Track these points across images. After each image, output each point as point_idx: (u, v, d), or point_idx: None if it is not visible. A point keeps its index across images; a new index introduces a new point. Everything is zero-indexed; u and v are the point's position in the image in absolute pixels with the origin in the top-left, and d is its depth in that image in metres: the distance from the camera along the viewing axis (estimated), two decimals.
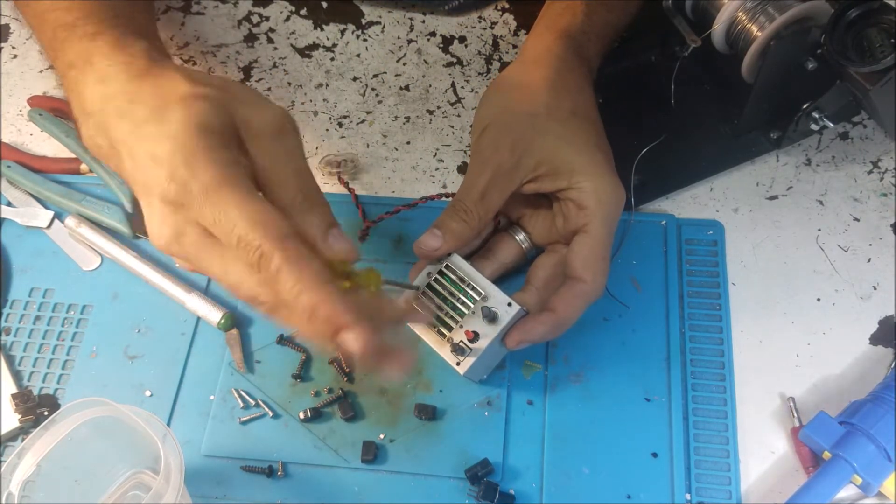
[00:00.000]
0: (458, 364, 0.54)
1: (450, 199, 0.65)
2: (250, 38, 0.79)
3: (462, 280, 0.54)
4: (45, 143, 0.74)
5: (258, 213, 0.42)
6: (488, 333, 0.53)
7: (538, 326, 0.54)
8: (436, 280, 0.55)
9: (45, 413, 0.60)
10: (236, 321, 0.62)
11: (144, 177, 0.44)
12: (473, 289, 0.54)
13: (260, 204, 0.42)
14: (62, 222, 0.68)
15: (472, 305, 0.54)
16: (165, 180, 0.42)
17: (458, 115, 0.74)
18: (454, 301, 0.54)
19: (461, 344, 0.53)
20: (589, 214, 0.54)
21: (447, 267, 0.55)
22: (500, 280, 0.61)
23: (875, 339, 0.60)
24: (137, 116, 0.45)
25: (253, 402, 0.60)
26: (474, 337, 0.53)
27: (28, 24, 0.59)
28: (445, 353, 0.54)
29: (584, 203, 0.54)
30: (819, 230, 0.65)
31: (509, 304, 0.53)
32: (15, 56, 0.79)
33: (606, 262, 0.55)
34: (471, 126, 0.73)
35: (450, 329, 0.54)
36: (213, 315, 0.62)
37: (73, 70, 0.51)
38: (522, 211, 0.60)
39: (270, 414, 0.59)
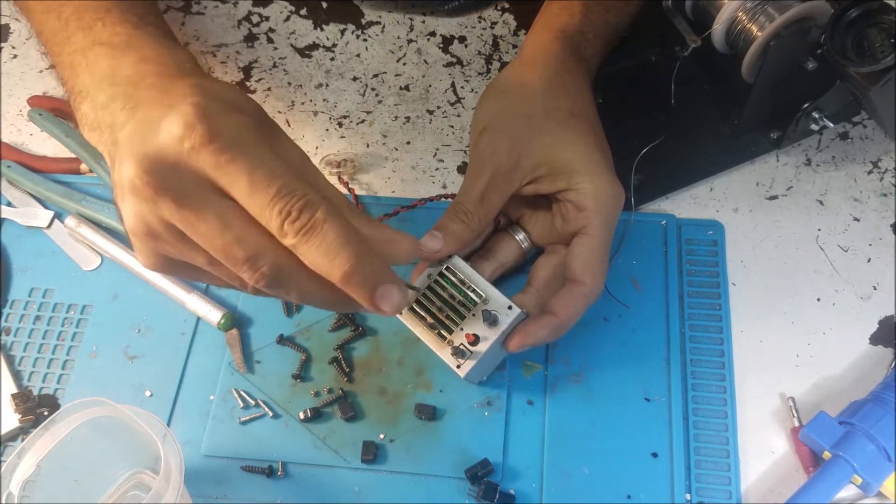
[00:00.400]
0: (458, 367, 0.54)
1: (449, 199, 0.65)
2: (250, 38, 0.79)
3: (462, 282, 0.54)
4: (45, 143, 0.74)
5: (302, 170, 0.41)
6: (489, 336, 0.53)
7: (539, 330, 0.54)
8: (436, 282, 0.55)
9: (45, 413, 0.60)
10: (236, 321, 0.62)
11: (148, 125, 0.41)
12: (474, 291, 0.54)
13: (299, 167, 0.42)
14: (62, 222, 0.68)
15: (472, 308, 0.54)
16: (190, 121, 0.39)
17: (458, 115, 0.74)
18: (454, 303, 0.54)
19: (462, 347, 0.53)
20: (588, 216, 0.54)
21: (447, 269, 0.55)
22: (500, 280, 0.61)
23: (875, 339, 0.60)
24: (172, 94, 0.43)
25: (253, 402, 0.60)
26: (475, 340, 0.53)
27: (31, 10, 0.59)
28: (446, 355, 0.54)
29: (583, 204, 0.54)
30: (819, 230, 0.65)
31: (510, 308, 0.53)
32: (15, 56, 0.79)
33: (605, 263, 0.55)
34: (470, 126, 0.73)
35: (450, 332, 0.54)
36: (213, 315, 0.62)
37: (103, 47, 0.51)
38: (522, 211, 0.60)
39: (270, 414, 0.59)
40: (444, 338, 0.54)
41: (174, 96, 0.41)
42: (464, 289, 0.54)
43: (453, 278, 0.54)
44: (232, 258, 0.41)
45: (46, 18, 0.58)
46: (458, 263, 0.55)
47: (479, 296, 0.54)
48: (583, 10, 0.63)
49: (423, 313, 0.55)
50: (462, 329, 0.54)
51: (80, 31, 0.54)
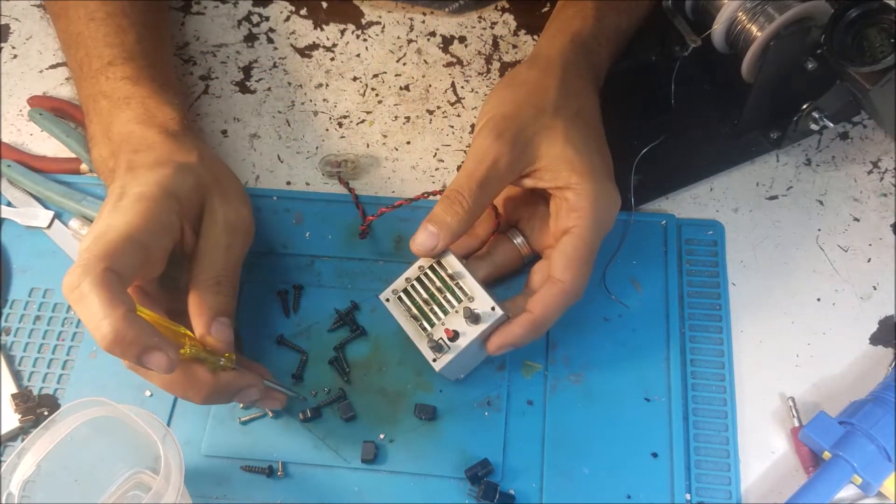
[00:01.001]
0: (434, 360, 0.54)
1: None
2: (250, 38, 0.79)
3: (451, 277, 0.55)
4: (45, 143, 0.74)
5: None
6: (468, 334, 0.53)
7: (516, 329, 0.54)
8: (425, 274, 0.56)
9: (45, 413, 0.60)
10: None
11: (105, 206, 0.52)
12: (461, 288, 0.54)
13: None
14: (62, 222, 0.68)
15: (456, 305, 0.54)
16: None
17: (458, 115, 0.74)
18: (440, 298, 0.55)
19: (440, 341, 0.54)
20: (580, 216, 0.55)
21: (439, 263, 0.55)
22: (499, 283, 0.62)
23: (875, 339, 0.60)
24: (142, 161, 0.55)
25: None
26: (454, 336, 0.54)
27: (58, 33, 0.69)
28: (423, 347, 0.55)
29: (578, 205, 0.55)
30: (819, 230, 0.65)
31: (493, 309, 0.53)
32: (15, 56, 0.79)
33: (589, 266, 0.56)
34: (471, 126, 0.73)
35: (432, 325, 0.55)
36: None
37: (107, 101, 0.60)
38: (521, 213, 0.60)
39: (270, 414, 0.59)
40: (424, 330, 0.55)
41: (121, 195, 0.52)
42: (451, 284, 0.55)
43: (443, 273, 0.55)
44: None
45: (67, 52, 0.67)
46: (450, 259, 0.55)
47: (466, 293, 0.54)
48: (596, 15, 0.63)
49: (408, 303, 0.55)
50: (443, 324, 0.54)
51: (90, 77, 0.63)
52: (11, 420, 0.59)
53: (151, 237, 0.50)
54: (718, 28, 0.63)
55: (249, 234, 0.58)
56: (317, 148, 0.72)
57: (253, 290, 0.64)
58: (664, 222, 0.65)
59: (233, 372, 0.53)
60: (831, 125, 0.65)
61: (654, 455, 0.56)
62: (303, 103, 0.75)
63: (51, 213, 0.69)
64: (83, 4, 0.65)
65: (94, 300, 0.45)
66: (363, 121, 0.74)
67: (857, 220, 0.65)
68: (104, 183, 0.60)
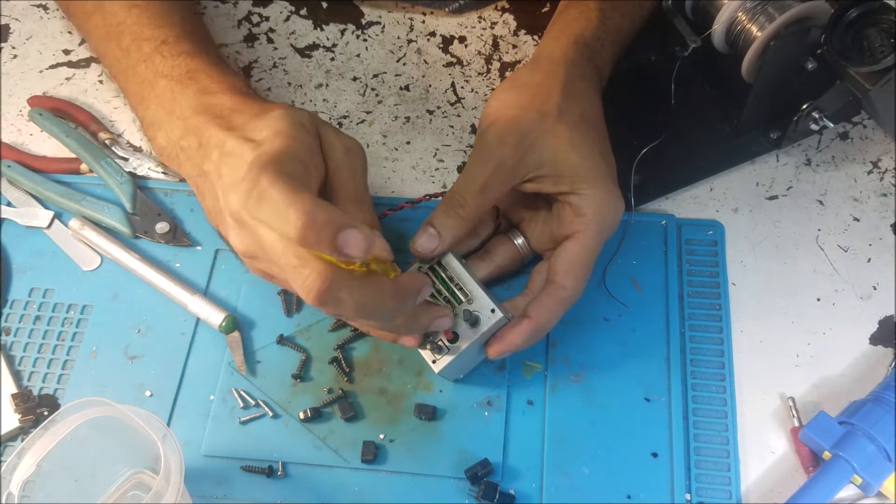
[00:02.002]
0: (433, 362, 0.54)
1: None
2: (250, 38, 0.79)
3: (451, 279, 0.55)
4: (45, 143, 0.74)
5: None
6: (468, 336, 0.54)
7: (517, 337, 0.54)
8: (425, 275, 0.55)
9: (45, 413, 0.60)
10: (237, 323, 0.62)
11: (234, 160, 0.50)
12: (461, 290, 0.54)
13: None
14: (62, 222, 0.68)
15: (456, 306, 0.54)
16: (254, 161, 0.46)
17: (458, 115, 0.74)
18: (440, 299, 0.55)
19: (440, 343, 0.54)
20: (584, 221, 0.54)
21: (438, 264, 0.55)
22: (498, 282, 0.62)
23: (875, 339, 0.60)
24: (238, 121, 0.53)
25: (253, 402, 0.60)
26: (454, 338, 0.54)
27: (92, 31, 0.68)
28: (423, 348, 0.55)
29: (582, 210, 0.55)
30: (819, 230, 0.65)
31: (493, 311, 0.53)
32: (15, 56, 0.79)
33: (589, 270, 0.56)
34: (471, 126, 0.73)
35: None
36: (215, 317, 0.62)
37: (166, 80, 0.59)
38: (522, 215, 0.60)
39: (270, 414, 0.59)
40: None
41: (248, 130, 0.52)
42: (451, 286, 0.55)
43: (443, 274, 0.55)
44: (288, 275, 0.47)
45: (107, 46, 0.66)
46: (450, 261, 0.55)
47: (465, 295, 0.54)
48: (599, 17, 0.63)
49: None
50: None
51: (141, 62, 0.62)
52: (11, 420, 0.59)
53: (307, 157, 0.49)
54: (718, 28, 0.63)
55: (365, 158, 0.55)
56: None
57: (253, 290, 0.64)
58: (664, 222, 0.65)
59: (407, 273, 0.52)
60: (831, 125, 0.65)
61: (654, 455, 0.56)
62: (303, 103, 0.75)
63: (51, 213, 0.68)
64: None
65: (275, 193, 0.43)
66: (363, 121, 0.74)
67: (857, 220, 0.65)
68: (177, 168, 0.59)
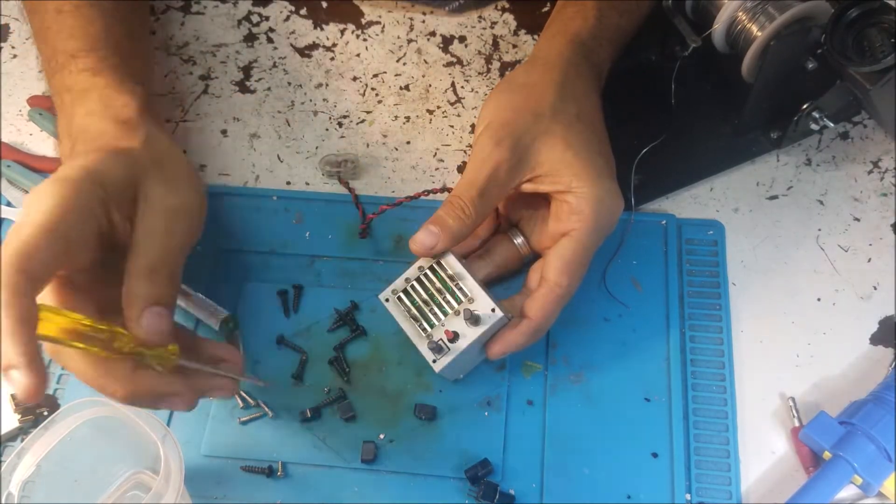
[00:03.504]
0: (434, 362, 0.54)
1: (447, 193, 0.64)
2: (250, 38, 0.79)
3: (451, 278, 0.55)
4: (45, 143, 0.74)
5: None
6: (468, 336, 0.54)
7: (517, 337, 0.55)
8: (425, 275, 0.56)
9: (45, 413, 0.60)
10: (238, 324, 0.62)
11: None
12: (461, 289, 0.54)
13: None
14: None
15: (456, 306, 0.54)
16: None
17: (458, 115, 0.74)
18: (440, 299, 0.55)
19: (440, 342, 0.54)
20: (581, 220, 0.54)
21: (438, 263, 0.55)
22: (498, 282, 0.62)
23: (875, 339, 0.60)
24: (87, 147, 0.53)
25: (253, 402, 0.60)
26: (454, 337, 0.54)
27: (32, 31, 0.66)
28: (423, 348, 0.55)
29: (580, 208, 0.55)
30: (819, 230, 0.65)
31: (493, 310, 0.53)
32: (15, 56, 0.79)
33: (585, 268, 0.56)
34: (471, 126, 0.73)
35: (431, 325, 0.55)
36: (215, 318, 0.62)
37: (69, 95, 0.58)
38: (522, 213, 0.60)
39: (270, 414, 0.59)
40: (424, 331, 0.55)
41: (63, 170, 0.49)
42: (451, 285, 0.55)
43: (443, 274, 0.55)
44: None
45: (38, 46, 0.65)
46: (450, 260, 0.55)
47: (466, 294, 0.54)
48: (597, 15, 0.63)
49: (408, 303, 0.55)
50: (443, 325, 0.54)
51: (56, 71, 0.61)
52: (11, 420, 0.59)
53: (70, 224, 0.46)
54: (718, 28, 0.63)
55: (195, 220, 0.53)
56: (317, 148, 0.72)
57: (253, 290, 0.64)
58: (664, 222, 0.65)
59: (158, 375, 0.49)
60: (831, 125, 0.65)
61: (654, 455, 0.56)
62: (303, 103, 0.75)
63: None
64: None
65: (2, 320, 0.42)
66: (363, 121, 0.74)
67: (857, 220, 0.65)
68: None
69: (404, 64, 0.77)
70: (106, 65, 0.59)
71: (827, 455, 0.54)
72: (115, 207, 0.49)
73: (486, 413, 0.59)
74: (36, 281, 0.44)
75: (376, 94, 0.75)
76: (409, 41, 0.78)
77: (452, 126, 0.73)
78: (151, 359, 0.48)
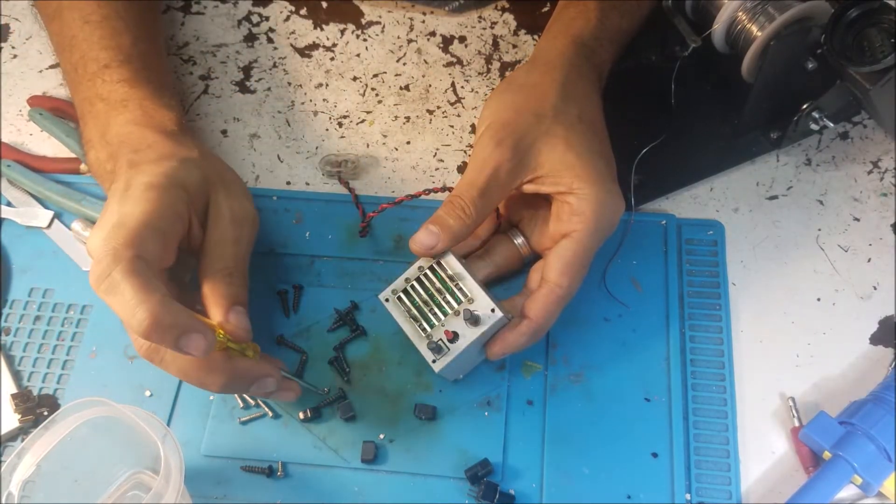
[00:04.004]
0: (433, 362, 0.54)
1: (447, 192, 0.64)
2: (250, 38, 0.79)
3: (451, 279, 0.55)
4: (45, 143, 0.74)
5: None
6: (468, 336, 0.54)
7: (518, 337, 0.55)
8: (425, 275, 0.56)
9: (45, 413, 0.60)
10: None
11: (107, 207, 0.52)
12: (461, 289, 0.54)
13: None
14: (62, 222, 0.68)
15: (456, 306, 0.54)
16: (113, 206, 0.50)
17: (458, 115, 0.74)
18: (440, 299, 0.55)
19: (440, 342, 0.54)
20: (582, 221, 0.55)
21: (438, 263, 0.55)
22: (498, 282, 0.62)
23: (875, 339, 0.60)
24: (143, 158, 0.55)
25: (253, 402, 0.60)
26: (454, 337, 0.54)
27: (51, 35, 0.68)
28: (423, 348, 0.55)
29: (580, 209, 0.55)
30: (819, 230, 0.65)
31: (493, 311, 0.53)
32: (15, 56, 0.79)
33: (585, 269, 0.56)
34: (471, 126, 0.73)
35: (431, 326, 0.55)
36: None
37: (103, 104, 0.60)
38: (522, 214, 0.60)
39: (270, 414, 0.59)
40: (424, 331, 0.55)
41: (128, 186, 0.52)
42: (451, 285, 0.55)
43: (443, 274, 0.55)
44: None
45: (61, 55, 0.66)
46: (450, 260, 0.55)
47: (466, 294, 0.54)
48: (598, 16, 0.63)
49: (408, 303, 0.55)
50: (443, 325, 0.54)
51: (86, 80, 0.62)
52: (11, 420, 0.59)
53: (166, 224, 0.50)
54: (718, 28, 0.63)
55: (255, 227, 0.57)
56: (317, 148, 0.72)
57: (253, 290, 0.64)
58: (664, 222, 0.65)
59: (251, 360, 0.53)
60: (831, 125, 0.65)
61: (654, 455, 0.56)
62: (303, 103, 0.75)
63: (50, 213, 0.69)
64: (77, 7, 0.64)
65: (127, 288, 0.45)
66: (363, 121, 0.74)
67: (857, 220, 0.65)
68: (101, 185, 0.60)
69: (404, 64, 0.77)
70: (140, 77, 0.62)
71: (827, 455, 0.54)
72: (194, 213, 0.54)
73: (486, 413, 0.59)
74: (150, 267, 0.48)
75: (376, 94, 0.75)
76: (409, 41, 0.78)
77: (452, 126, 0.73)
78: (236, 353, 0.53)
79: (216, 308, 0.52)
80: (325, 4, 0.81)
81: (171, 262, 0.53)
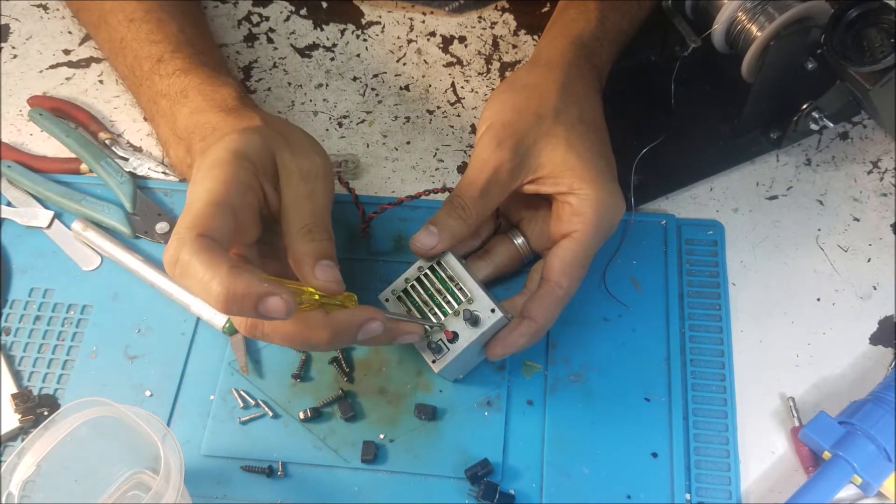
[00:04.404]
0: (433, 362, 0.54)
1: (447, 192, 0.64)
2: (250, 38, 0.79)
3: (451, 279, 0.55)
4: (45, 143, 0.74)
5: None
6: (468, 336, 0.54)
7: (518, 338, 0.55)
8: (425, 275, 0.56)
9: (45, 413, 0.60)
10: None
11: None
12: (461, 289, 0.54)
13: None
14: (62, 222, 0.68)
15: (456, 306, 0.54)
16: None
17: (458, 115, 0.74)
18: (440, 299, 0.55)
19: (440, 343, 0.54)
20: (583, 221, 0.55)
21: (438, 263, 0.55)
22: (498, 282, 0.62)
23: (875, 339, 0.60)
24: (210, 141, 0.53)
25: (253, 402, 0.60)
26: (453, 337, 0.54)
27: (100, 45, 0.69)
28: (423, 348, 0.55)
29: (581, 209, 0.55)
30: (819, 230, 0.65)
31: (493, 311, 0.53)
32: (15, 56, 0.79)
33: (585, 269, 0.56)
34: (471, 126, 0.73)
35: (431, 326, 0.54)
36: (218, 319, 0.62)
37: (166, 100, 0.60)
38: (522, 214, 0.60)
39: (270, 414, 0.59)
40: (424, 331, 0.54)
41: (197, 171, 0.51)
42: (451, 285, 0.55)
43: (443, 274, 0.55)
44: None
45: (115, 61, 0.67)
46: (450, 260, 0.55)
47: (466, 295, 0.54)
48: (598, 17, 0.63)
49: (408, 304, 0.55)
50: (443, 325, 0.54)
51: (144, 80, 0.62)
52: (11, 420, 0.59)
53: (235, 198, 0.49)
54: (718, 28, 0.63)
55: (329, 180, 0.55)
56: None
57: None
58: (664, 222, 0.65)
59: (350, 309, 0.52)
60: (831, 125, 0.65)
61: (654, 455, 0.56)
62: (303, 103, 0.75)
63: (51, 213, 0.69)
64: (120, 7, 0.65)
65: (196, 266, 0.45)
66: (363, 121, 0.74)
67: (857, 220, 0.65)
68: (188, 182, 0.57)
69: (404, 64, 0.77)
70: (194, 62, 0.62)
71: (827, 455, 0.54)
72: (265, 179, 0.52)
73: (486, 413, 0.59)
74: (219, 244, 0.47)
75: (376, 94, 0.75)
76: (409, 41, 0.78)
77: (452, 126, 0.73)
78: (332, 307, 0.51)
79: (303, 267, 0.51)
80: (325, 4, 0.81)
81: (257, 233, 0.52)
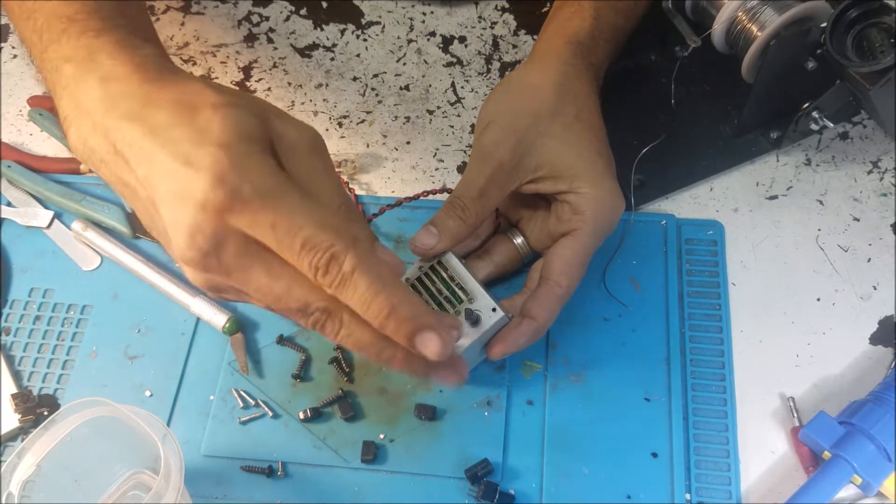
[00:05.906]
0: None
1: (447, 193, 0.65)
2: (250, 38, 0.79)
3: (451, 279, 0.55)
4: (45, 143, 0.74)
5: (325, 215, 0.41)
6: (469, 335, 0.53)
7: (519, 337, 0.55)
8: (426, 275, 0.55)
9: (45, 413, 0.60)
10: (241, 325, 0.62)
11: (174, 183, 0.41)
12: (461, 289, 0.54)
13: (324, 207, 0.42)
14: (62, 222, 0.68)
15: (457, 305, 0.54)
16: (210, 185, 0.39)
17: (458, 115, 0.74)
18: (440, 299, 0.55)
19: None
20: (582, 220, 0.55)
21: (439, 263, 0.55)
22: (497, 282, 0.62)
23: (875, 339, 0.60)
24: (157, 120, 0.42)
25: (253, 402, 0.60)
26: None
27: (10, 14, 0.56)
28: None
29: (581, 208, 0.55)
30: (819, 230, 0.65)
31: (494, 310, 0.53)
32: (15, 56, 0.79)
33: (584, 268, 0.56)
34: (471, 126, 0.73)
35: None
36: (219, 319, 0.62)
37: (70, 65, 0.47)
38: (522, 214, 0.60)
39: (270, 414, 0.59)
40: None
41: (181, 142, 0.41)
42: (452, 285, 0.55)
43: (443, 273, 0.55)
44: (285, 308, 0.44)
45: (24, 28, 0.53)
46: (451, 260, 0.55)
47: (466, 294, 0.54)
48: (594, 15, 0.63)
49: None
50: None
51: (51, 44, 0.50)
52: (11, 420, 0.59)
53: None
54: (718, 28, 0.63)
55: (327, 148, 0.48)
56: None
57: None
58: (664, 222, 0.65)
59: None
60: (831, 125, 0.65)
61: (654, 455, 0.56)
62: (303, 103, 0.75)
63: (50, 213, 0.69)
64: None
65: (360, 280, 0.41)
66: (363, 121, 0.74)
67: (857, 220, 0.65)
68: (98, 172, 0.47)
69: (404, 64, 0.77)
70: (109, 24, 0.49)
71: (826, 455, 0.54)
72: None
73: (486, 413, 0.59)
74: None
75: (376, 94, 0.75)
76: (409, 41, 0.78)
77: (452, 126, 0.73)
78: None
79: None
80: (325, 4, 0.81)
81: None
